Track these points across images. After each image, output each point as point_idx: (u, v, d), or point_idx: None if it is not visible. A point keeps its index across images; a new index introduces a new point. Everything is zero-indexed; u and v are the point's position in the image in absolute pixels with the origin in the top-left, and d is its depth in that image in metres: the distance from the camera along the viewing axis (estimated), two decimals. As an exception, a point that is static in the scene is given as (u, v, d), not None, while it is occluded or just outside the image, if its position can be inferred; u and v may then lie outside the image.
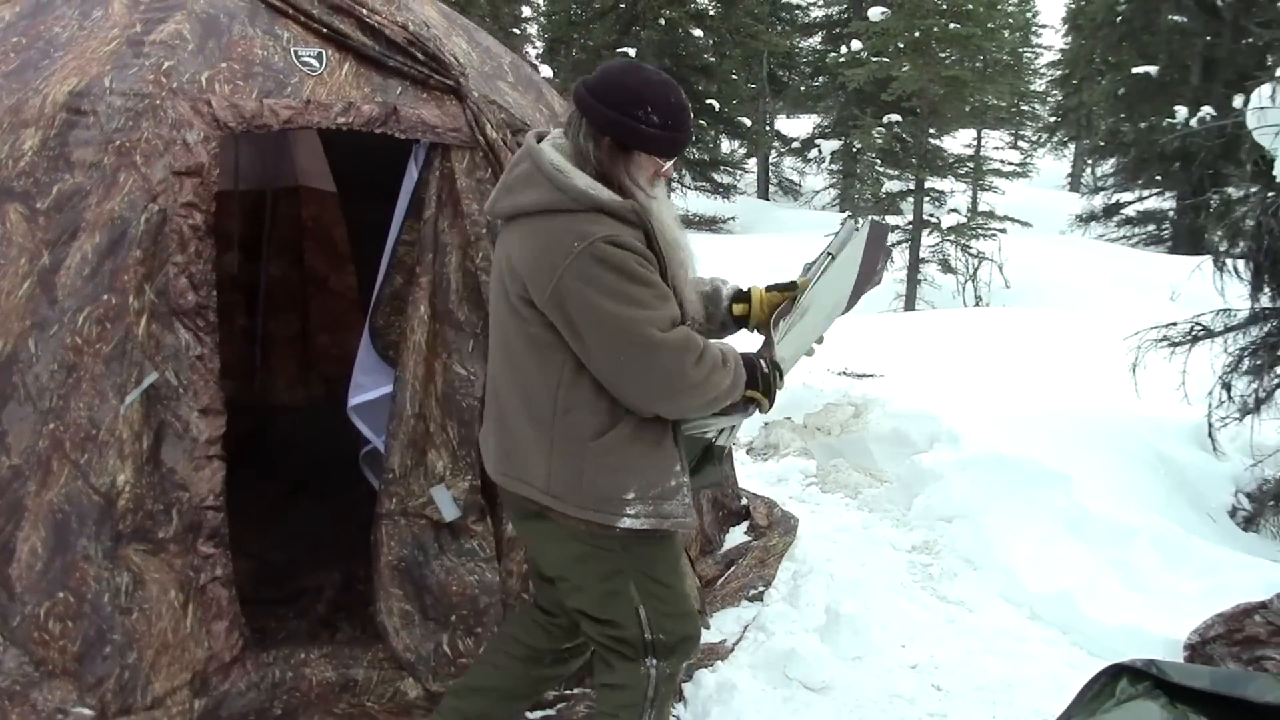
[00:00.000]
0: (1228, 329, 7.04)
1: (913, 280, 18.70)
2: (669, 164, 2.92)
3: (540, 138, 2.95)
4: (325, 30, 3.65)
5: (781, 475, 6.85)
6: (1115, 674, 3.50)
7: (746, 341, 3.15)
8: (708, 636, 4.31)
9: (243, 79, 3.49)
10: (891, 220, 18.95)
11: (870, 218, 3.60)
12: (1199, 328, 7.24)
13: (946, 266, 19.12)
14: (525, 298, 2.79)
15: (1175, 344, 7.34)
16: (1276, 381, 6.98)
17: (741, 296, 3.30)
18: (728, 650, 4.31)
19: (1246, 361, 6.76)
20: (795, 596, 4.82)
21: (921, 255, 18.85)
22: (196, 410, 3.38)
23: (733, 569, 4.95)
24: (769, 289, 3.30)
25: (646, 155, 2.84)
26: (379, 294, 3.85)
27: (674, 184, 25.96)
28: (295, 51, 3.60)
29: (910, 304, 18.44)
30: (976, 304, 18.47)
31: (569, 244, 2.70)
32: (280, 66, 3.56)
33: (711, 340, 2.92)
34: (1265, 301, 6.72)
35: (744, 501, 5.58)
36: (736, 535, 5.35)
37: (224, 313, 3.62)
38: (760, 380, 3.02)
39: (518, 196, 2.84)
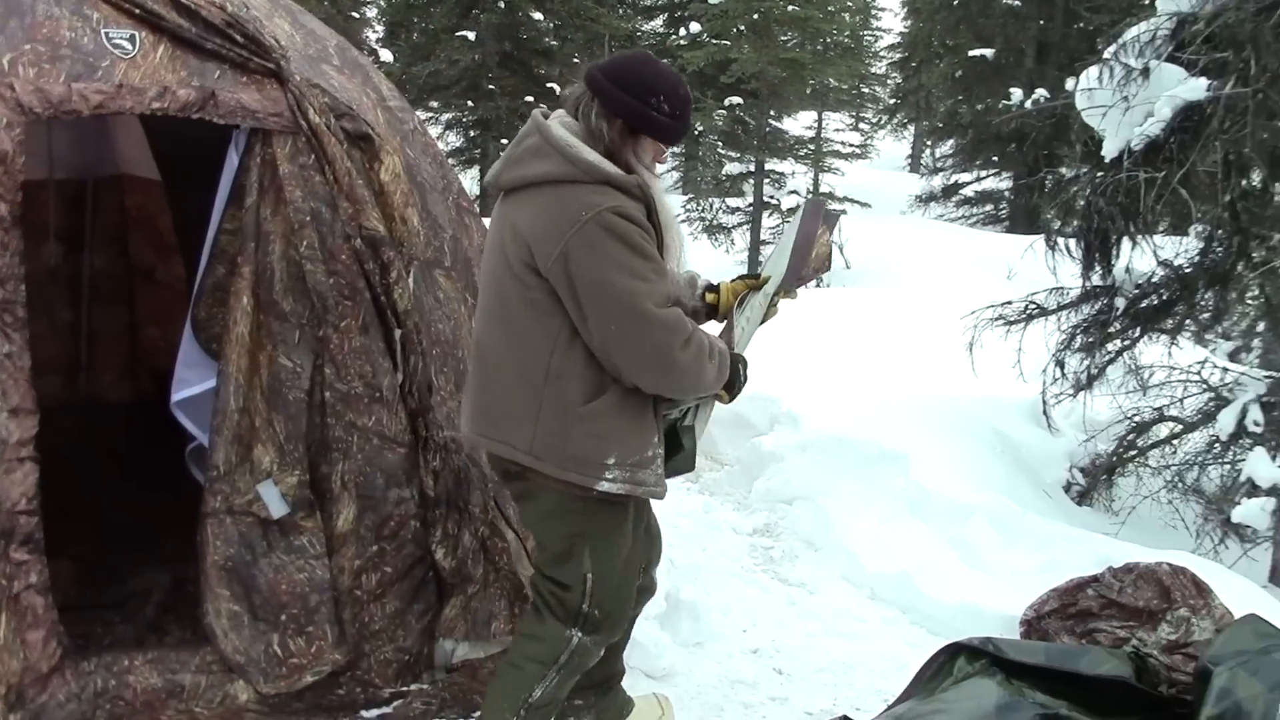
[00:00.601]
0: (1060, 307, 7.25)
1: (753, 262, 18.83)
2: (667, 150, 3.13)
3: (545, 115, 3.08)
4: (138, 11, 3.43)
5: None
6: (953, 652, 3.55)
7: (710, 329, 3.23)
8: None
9: (49, 61, 3.26)
10: (732, 202, 19.08)
11: (809, 195, 3.74)
12: (1033, 306, 7.44)
13: (788, 248, 19.26)
14: (530, 264, 2.91)
15: (1011, 322, 7.53)
16: (1107, 358, 7.20)
17: (713, 287, 3.49)
18: (567, 640, 4.24)
19: (1079, 339, 6.96)
20: (638, 583, 4.77)
21: (762, 237, 19.02)
22: (6, 411, 3.19)
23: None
24: (735, 280, 3.52)
25: (652, 140, 3.03)
26: (200, 285, 3.68)
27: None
28: (106, 33, 3.38)
29: (753, 287, 18.52)
30: (817, 285, 18.63)
31: (576, 212, 2.85)
32: (90, 49, 3.33)
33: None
34: (1096, 280, 6.92)
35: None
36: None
37: (44, 307, 3.43)
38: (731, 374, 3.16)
39: (525, 168, 2.98)
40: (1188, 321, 7.12)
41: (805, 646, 4.48)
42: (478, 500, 3.81)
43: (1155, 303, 6.90)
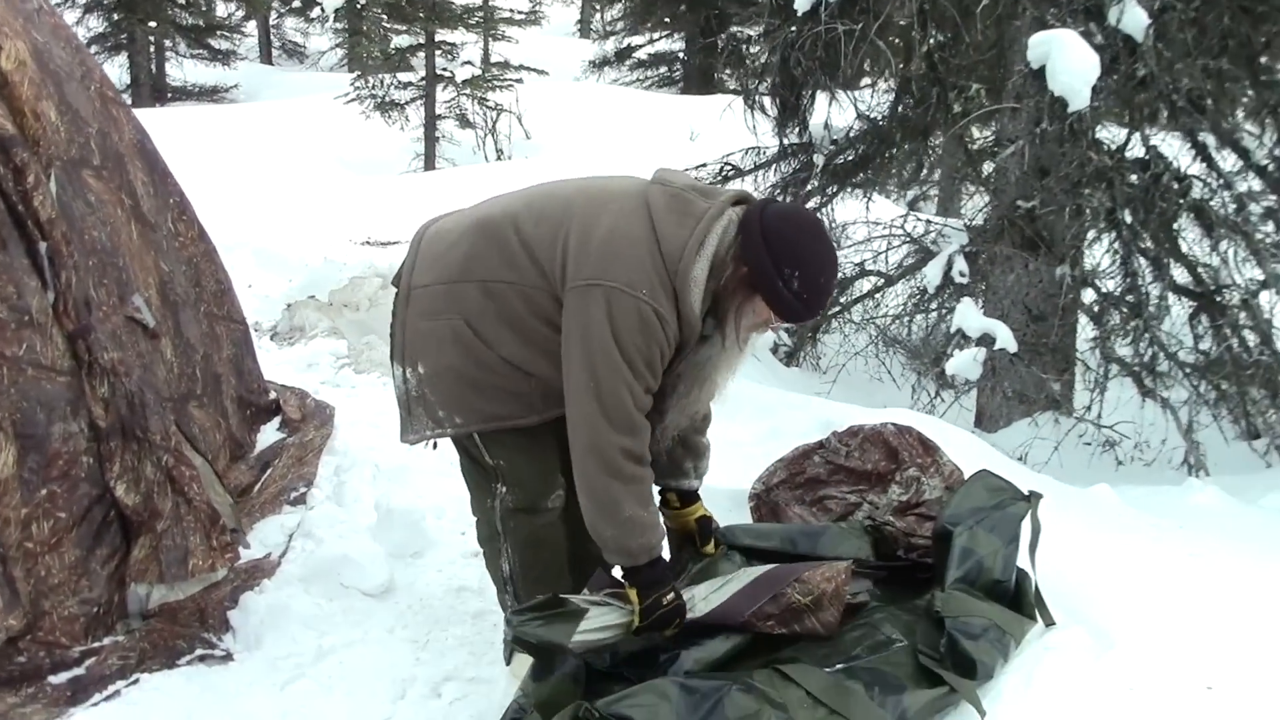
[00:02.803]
0: (757, 167, 7.28)
1: (430, 138, 18.39)
2: (779, 324, 3.10)
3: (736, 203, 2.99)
4: None
5: (310, 360, 6.51)
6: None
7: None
8: (249, 554, 3.97)
9: None
10: (404, 77, 18.55)
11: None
12: (729, 167, 7.45)
13: (464, 121, 18.92)
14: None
15: (707, 185, 7.50)
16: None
17: (688, 499, 3.39)
18: (274, 565, 4.00)
19: (781, 198, 7.00)
20: (341, 494, 4.57)
21: (438, 112, 18.56)
22: None
23: (269, 472, 4.61)
24: (698, 520, 3.40)
25: (765, 306, 2.92)
26: None
27: (169, 53, 24.36)
28: None
29: (430, 163, 18.15)
30: (498, 158, 18.46)
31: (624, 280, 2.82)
32: None
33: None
34: (793, 138, 6.97)
35: (272, 395, 5.21)
36: (268, 434, 4.99)
37: None
38: (649, 596, 2.97)
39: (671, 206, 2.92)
40: (888, 176, 7.29)
41: (532, 544, 4.37)
42: (157, 426, 3.49)
43: (853, 158, 7.02)
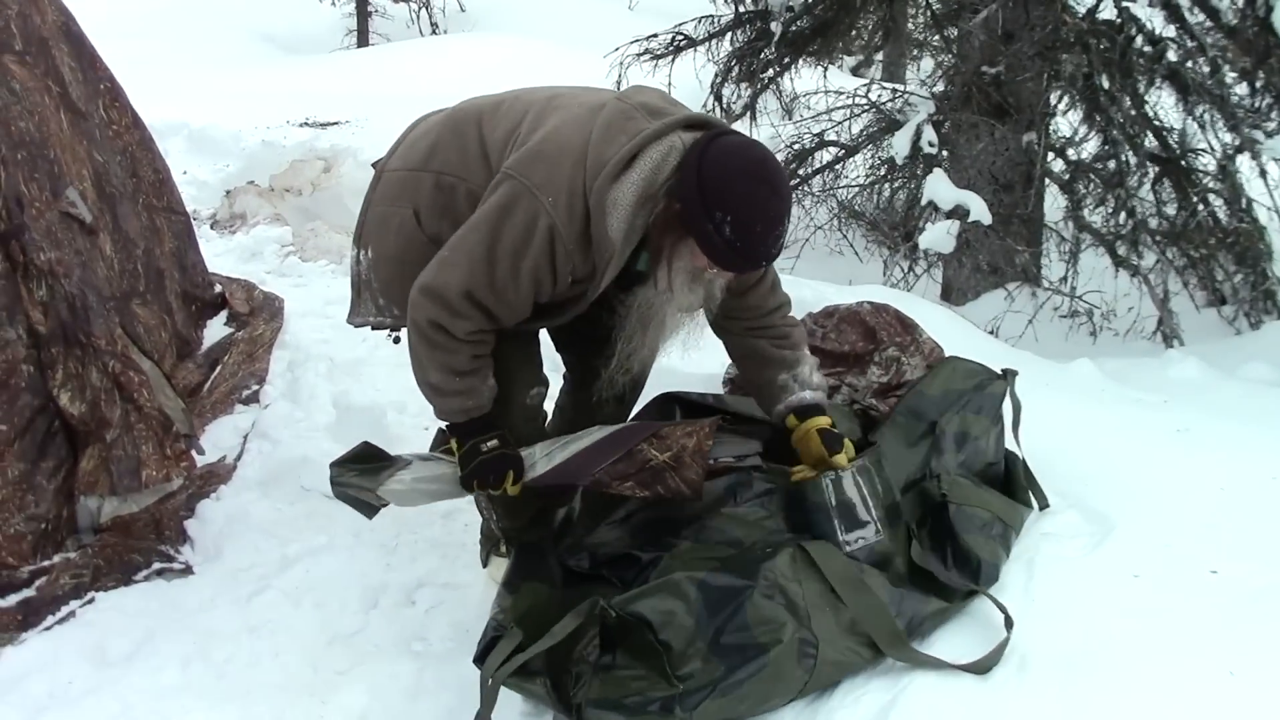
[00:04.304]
0: (711, 35, 7.07)
1: (362, 14, 17.96)
2: (727, 274, 2.77)
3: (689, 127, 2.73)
4: None
5: (254, 249, 6.30)
6: (666, 400, 3.38)
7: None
8: (203, 460, 3.79)
9: None
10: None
11: None
12: (681, 37, 7.24)
13: (398, -7, 18.53)
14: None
15: (659, 56, 7.33)
16: (761, 85, 7.12)
17: (803, 413, 3.01)
18: (230, 470, 3.83)
19: (737, 68, 6.81)
20: (296, 391, 4.40)
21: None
22: None
23: (218, 370, 4.40)
24: (821, 433, 2.97)
25: (700, 251, 2.64)
26: None
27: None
28: None
29: (363, 39, 17.70)
30: (433, 32, 18.07)
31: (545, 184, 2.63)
32: None
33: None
34: (749, 4, 6.76)
35: (217, 288, 4.97)
36: (216, 329, 4.76)
37: None
38: (465, 443, 2.87)
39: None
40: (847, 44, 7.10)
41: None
42: (101, 329, 3.29)
43: (811, 24, 6.80)
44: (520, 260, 2.64)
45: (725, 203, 2.56)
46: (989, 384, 3.30)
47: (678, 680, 2.39)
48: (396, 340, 3.30)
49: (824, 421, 2.99)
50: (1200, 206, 6.48)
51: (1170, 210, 6.55)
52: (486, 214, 2.67)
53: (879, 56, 13.04)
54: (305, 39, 16.34)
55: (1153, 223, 6.42)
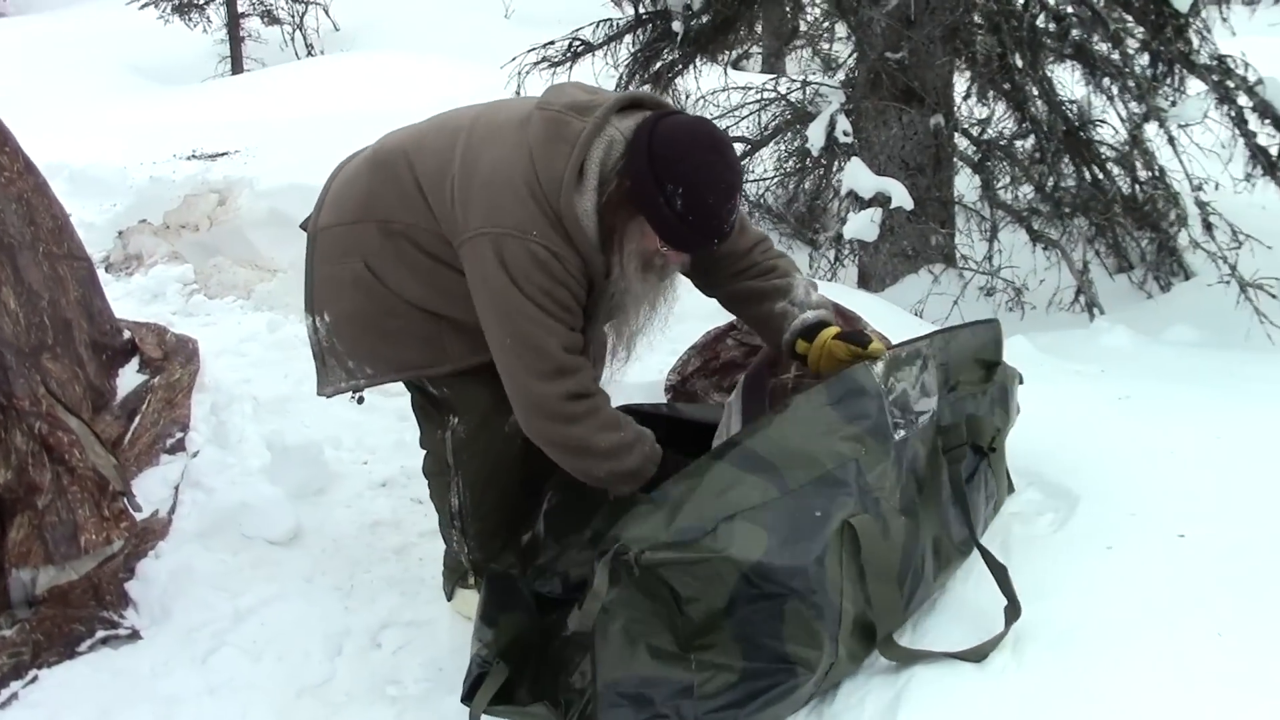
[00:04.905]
0: (609, 39, 7.02)
1: (235, 40, 17.65)
2: (681, 255, 2.72)
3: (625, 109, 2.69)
4: None
5: (155, 290, 6.11)
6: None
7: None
8: (139, 516, 3.63)
9: None
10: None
11: None
12: (579, 43, 7.18)
13: (270, 18, 18.23)
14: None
15: (556, 63, 7.28)
16: (664, 85, 7.09)
17: (810, 334, 2.89)
18: (165, 524, 3.65)
19: (640, 72, 6.78)
20: (223, 435, 4.24)
21: (241, 10, 17.82)
22: None
23: (138, 420, 4.21)
24: (838, 337, 2.85)
25: (653, 231, 2.61)
26: None
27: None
28: None
29: (237, 65, 17.38)
30: (309, 54, 17.84)
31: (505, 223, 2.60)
32: None
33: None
34: (647, 4, 6.72)
35: (126, 334, 4.77)
36: (129, 377, 4.55)
37: None
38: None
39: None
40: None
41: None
42: (23, 389, 3.12)
43: (713, 21, 6.77)
44: (555, 291, 2.61)
45: (675, 174, 2.52)
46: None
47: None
48: (360, 400, 3.23)
49: (835, 330, 2.89)
50: (1100, 176, 6.58)
51: (1070, 183, 6.64)
52: (491, 282, 2.61)
53: (756, 49, 13.09)
54: (177, 69, 15.97)
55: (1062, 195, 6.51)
